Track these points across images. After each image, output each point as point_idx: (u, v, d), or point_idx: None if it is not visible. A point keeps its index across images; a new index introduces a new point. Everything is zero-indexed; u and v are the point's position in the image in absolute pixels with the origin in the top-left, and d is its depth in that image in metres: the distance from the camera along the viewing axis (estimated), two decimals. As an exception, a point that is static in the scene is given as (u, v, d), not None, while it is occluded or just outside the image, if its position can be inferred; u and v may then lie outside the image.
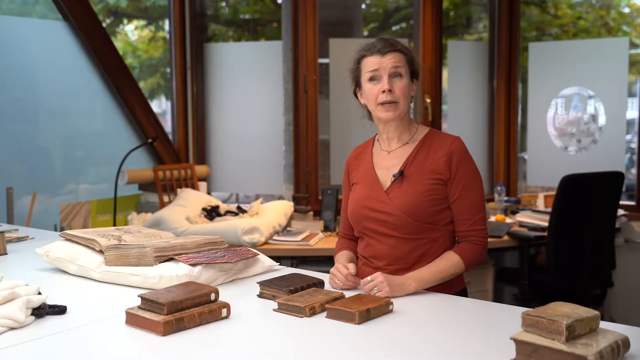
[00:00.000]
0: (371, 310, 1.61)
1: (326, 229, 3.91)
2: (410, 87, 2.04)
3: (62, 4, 3.76)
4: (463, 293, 2.06)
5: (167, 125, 4.91)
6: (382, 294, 1.78)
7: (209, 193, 4.46)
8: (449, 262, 1.96)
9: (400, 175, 2.01)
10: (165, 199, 4.02)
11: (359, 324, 1.58)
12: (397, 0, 7.38)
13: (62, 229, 3.56)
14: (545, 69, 4.64)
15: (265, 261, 2.10)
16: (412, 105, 2.08)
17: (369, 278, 1.84)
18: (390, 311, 1.67)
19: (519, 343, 1.28)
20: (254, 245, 3.48)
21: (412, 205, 1.97)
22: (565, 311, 1.29)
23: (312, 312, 1.64)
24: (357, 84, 2.09)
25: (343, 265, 1.92)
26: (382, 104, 2.00)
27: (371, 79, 2.02)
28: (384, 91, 1.99)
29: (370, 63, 2.01)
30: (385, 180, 2.05)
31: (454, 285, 2.03)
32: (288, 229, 3.87)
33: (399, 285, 1.84)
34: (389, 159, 2.08)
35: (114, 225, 3.81)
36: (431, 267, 1.94)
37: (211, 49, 4.53)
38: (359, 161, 2.16)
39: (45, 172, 3.81)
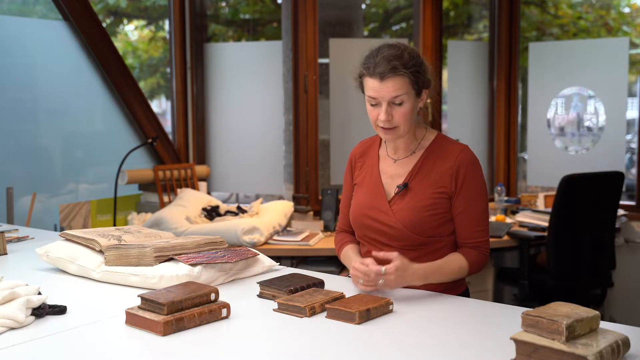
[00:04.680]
0: (371, 310, 1.61)
1: (326, 229, 3.91)
2: (414, 108, 1.93)
3: (62, 4, 3.76)
4: (465, 295, 2.05)
5: (167, 125, 4.91)
6: (388, 286, 1.79)
7: (209, 193, 4.46)
8: (455, 265, 1.94)
9: (405, 187, 1.98)
10: (165, 199, 4.02)
11: (359, 324, 1.58)
12: (397, 0, 7.38)
13: (62, 229, 3.56)
14: (545, 69, 4.64)
15: (265, 261, 2.10)
16: (421, 106, 1.99)
17: (382, 269, 1.78)
18: (390, 311, 1.67)
19: (519, 343, 1.28)
20: (254, 245, 3.48)
21: (414, 220, 1.95)
22: (565, 311, 1.29)
23: (312, 312, 1.64)
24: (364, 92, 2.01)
25: (361, 262, 1.83)
26: (382, 127, 1.94)
27: (370, 102, 1.94)
28: None
29: (370, 87, 1.91)
30: (390, 190, 2.02)
31: (455, 287, 2.02)
32: (288, 229, 3.87)
33: (407, 282, 1.83)
34: (394, 168, 2.04)
35: (114, 225, 3.81)
36: (441, 268, 1.91)
37: (211, 49, 4.53)
38: (364, 160, 2.11)
39: (45, 172, 3.81)
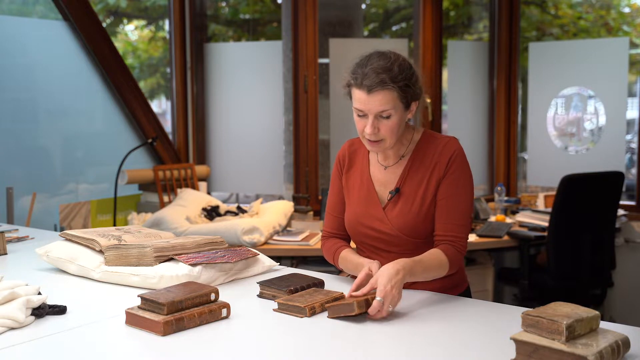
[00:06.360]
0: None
1: (326, 229, 3.90)
2: (401, 121, 1.88)
3: (62, 4, 3.76)
4: (466, 293, 2.04)
5: (167, 125, 4.91)
6: (398, 297, 1.65)
7: (209, 193, 4.46)
8: (436, 260, 1.84)
9: (397, 192, 1.95)
10: (165, 199, 4.02)
11: (357, 318, 1.58)
12: (397, 0, 7.38)
13: (62, 229, 3.56)
14: (545, 69, 4.64)
15: (265, 261, 2.10)
16: (410, 117, 1.94)
17: (378, 298, 1.61)
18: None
19: (519, 343, 1.28)
20: (254, 245, 3.48)
21: (409, 224, 1.92)
22: (565, 311, 1.29)
23: (312, 312, 1.64)
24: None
25: (367, 274, 1.73)
26: (368, 139, 1.90)
27: (357, 113, 1.87)
28: None
29: (357, 98, 1.85)
30: (383, 196, 1.98)
31: (457, 287, 2.01)
32: (288, 229, 3.87)
33: (401, 280, 1.68)
34: (385, 175, 2.00)
35: (114, 225, 3.81)
36: (421, 261, 1.79)
37: (211, 49, 4.53)
38: (353, 162, 2.07)
39: (45, 172, 3.80)
